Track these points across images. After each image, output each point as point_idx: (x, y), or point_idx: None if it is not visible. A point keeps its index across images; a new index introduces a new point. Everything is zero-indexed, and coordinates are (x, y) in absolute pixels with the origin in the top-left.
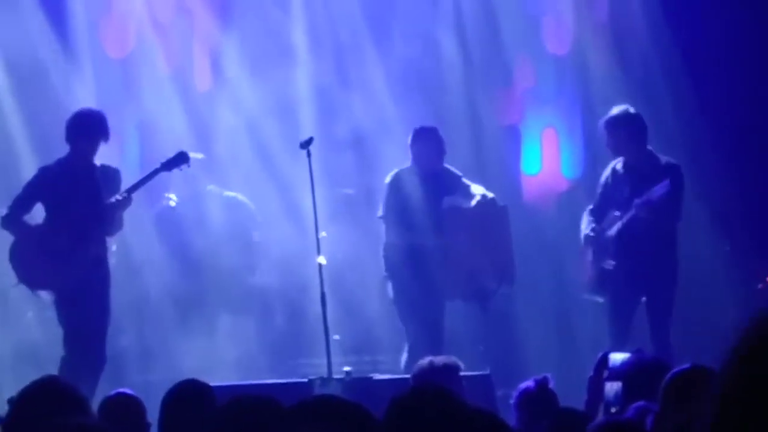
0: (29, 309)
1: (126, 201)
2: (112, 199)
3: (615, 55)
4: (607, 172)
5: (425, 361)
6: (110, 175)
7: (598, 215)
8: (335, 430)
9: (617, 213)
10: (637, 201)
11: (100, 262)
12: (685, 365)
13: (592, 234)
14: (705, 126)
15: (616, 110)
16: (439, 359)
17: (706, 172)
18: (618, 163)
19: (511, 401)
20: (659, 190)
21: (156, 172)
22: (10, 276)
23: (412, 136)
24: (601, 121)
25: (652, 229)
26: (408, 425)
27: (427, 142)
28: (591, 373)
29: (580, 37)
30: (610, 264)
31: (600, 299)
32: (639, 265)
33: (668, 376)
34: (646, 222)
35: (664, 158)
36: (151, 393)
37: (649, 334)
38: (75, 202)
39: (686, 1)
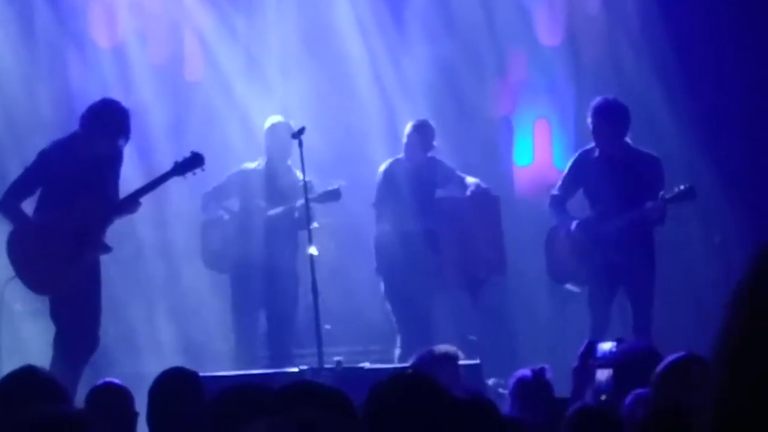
0: (17, 301)
1: (135, 207)
2: (120, 203)
3: (607, 46)
4: (577, 158)
5: (425, 350)
6: (113, 157)
7: (564, 200)
8: (317, 415)
9: (599, 205)
10: (652, 204)
11: (98, 261)
12: (680, 353)
13: (576, 229)
14: (695, 117)
15: (604, 99)
16: (439, 348)
17: (696, 164)
18: (594, 152)
19: (502, 390)
20: (682, 196)
21: (168, 175)
22: (5, 269)
23: (409, 129)
24: (590, 107)
25: (637, 224)
26: (387, 410)
27: (419, 134)
28: (576, 362)
29: (573, 28)
30: (592, 255)
31: (578, 289)
32: (619, 256)
33: (663, 363)
34: (643, 219)
35: (644, 151)
36: (142, 384)
37: (631, 325)
38: (81, 200)
39: None
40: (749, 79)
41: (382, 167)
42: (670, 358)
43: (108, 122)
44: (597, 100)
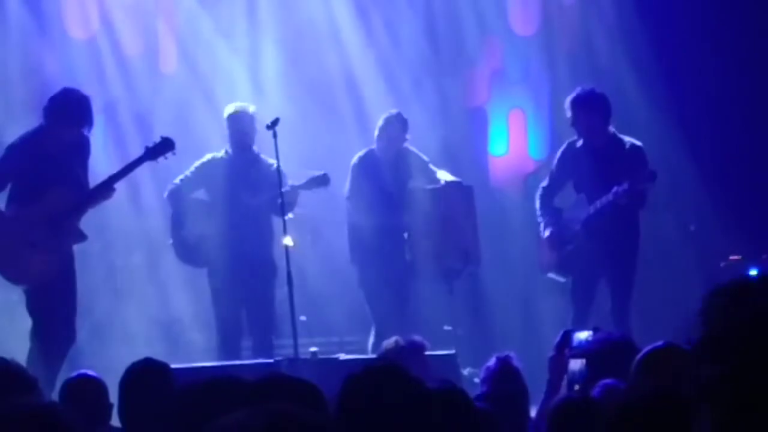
0: None
1: (109, 193)
2: (94, 189)
3: (582, 36)
4: (564, 151)
5: (391, 341)
6: (81, 147)
7: (552, 193)
8: (288, 408)
9: (582, 195)
10: (618, 189)
11: (72, 252)
12: (659, 343)
13: (559, 220)
14: (670, 106)
15: (581, 90)
16: (405, 339)
17: (671, 153)
18: (578, 143)
19: (477, 380)
20: (643, 179)
21: (140, 160)
22: None
23: (383, 121)
24: (567, 100)
25: (619, 212)
26: (362, 402)
27: (394, 126)
28: (552, 352)
29: (548, 17)
30: (577, 245)
31: (562, 279)
32: (603, 247)
33: (642, 352)
34: (617, 206)
35: (627, 139)
36: (117, 376)
37: (609, 316)
38: (53, 190)
39: None
40: (724, 69)
41: (355, 159)
42: (648, 348)
43: (70, 112)
44: (575, 91)
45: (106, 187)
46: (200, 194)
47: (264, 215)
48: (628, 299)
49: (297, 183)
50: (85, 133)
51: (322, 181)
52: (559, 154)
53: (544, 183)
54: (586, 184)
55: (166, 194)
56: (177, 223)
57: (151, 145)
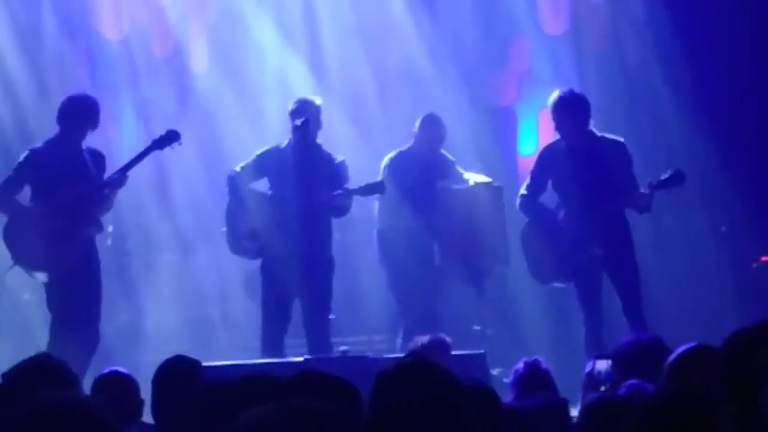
0: (26, 291)
1: (122, 180)
2: (108, 178)
3: (611, 36)
4: (543, 153)
5: (416, 340)
6: (96, 158)
7: (536, 197)
8: (315, 404)
9: (570, 198)
10: (644, 191)
11: (93, 243)
12: (691, 344)
13: (558, 225)
14: (701, 106)
15: (563, 91)
16: (426, 337)
17: (702, 154)
18: (560, 145)
19: (506, 380)
20: (672, 181)
21: (148, 150)
22: (5, 259)
23: (422, 121)
24: (549, 104)
25: (615, 212)
26: (394, 398)
27: (436, 129)
28: (583, 380)
29: (577, 17)
30: (578, 250)
31: (562, 285)
32: (598, 246)
33: (674, 354)
34: (622, 207)
35: (609, 137)
36: (148, 372)
37: (624, 317)
38: (68, 184)
39: None
40: (754, 68)
41: (386, 159)
42: (680, 349)
43: (77, 115)
44: (554, 94)
45: (119, 177)
46: (258, 184)
47: (323, 211)
48: (639, 298)
49: (352, 187)
50: (90, 132)
51: (377, 188)
52: (538, 156)
53: (525, 189)
54: (571, 186)
55: (225, 181)
56: (232, 212)
57: (157, 137)
